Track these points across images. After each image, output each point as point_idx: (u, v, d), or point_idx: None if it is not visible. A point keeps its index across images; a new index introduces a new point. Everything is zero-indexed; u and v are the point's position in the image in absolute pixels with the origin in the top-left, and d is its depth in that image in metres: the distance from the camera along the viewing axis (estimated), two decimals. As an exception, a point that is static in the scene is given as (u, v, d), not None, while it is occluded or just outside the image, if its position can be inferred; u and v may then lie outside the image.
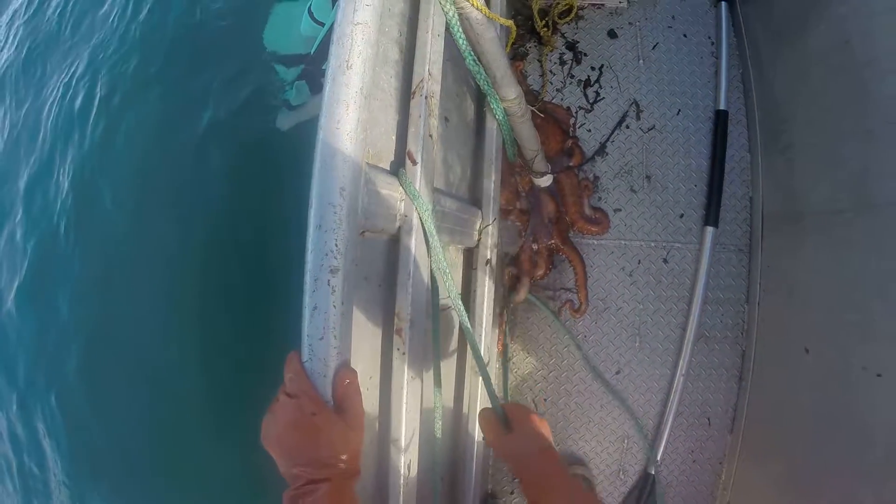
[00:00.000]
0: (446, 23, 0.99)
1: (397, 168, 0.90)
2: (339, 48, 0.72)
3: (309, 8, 2.76)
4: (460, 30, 1.01)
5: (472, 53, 1.08)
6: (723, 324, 1.76)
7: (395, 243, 0.92)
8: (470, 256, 1.43)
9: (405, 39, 0.97)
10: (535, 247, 1.70)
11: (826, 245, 1.46)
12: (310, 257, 0.67)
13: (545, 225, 1.71)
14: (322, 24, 2.71)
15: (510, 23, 1.30)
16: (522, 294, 1.73)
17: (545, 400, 1.80)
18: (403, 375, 0.90)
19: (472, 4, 0.97)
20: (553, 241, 1.72)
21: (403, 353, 0.89)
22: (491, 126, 1.46)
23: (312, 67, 2.76)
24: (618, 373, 1.75)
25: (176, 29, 3.54)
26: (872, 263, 1.28)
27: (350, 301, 0.69)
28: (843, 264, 1.40)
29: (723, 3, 1.99)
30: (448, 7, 0.95)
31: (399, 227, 0.91)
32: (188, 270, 2.95)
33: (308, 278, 0.66)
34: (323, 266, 0.66)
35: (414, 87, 0.96)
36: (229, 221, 2.95)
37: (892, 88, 1.22)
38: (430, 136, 0.95)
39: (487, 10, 1.01)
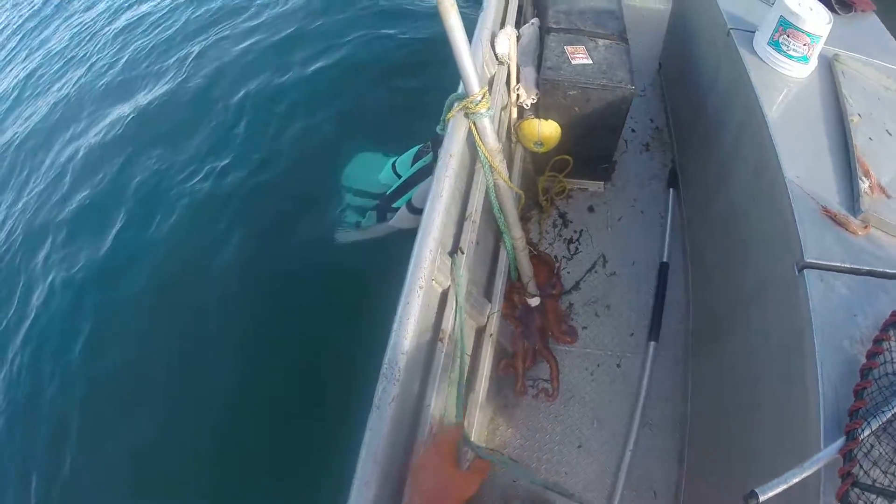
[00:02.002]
0: (487, 186, 1.86)
1: (452, 254, 1.64)
2: (437, 185, 1.52)
3: (393, 163, 3.38)
4: (493, 190, 1.87)
5: (497, 204, 1.93)
6: (663, 415, 2.29)
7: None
8: (480, 333, 2.07)
9: (464, 188, 1.82)
10: (525, 346, 2.44)
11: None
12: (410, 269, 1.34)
13: (532, 333, 2.45)
14: (400, 177, 3.25)
15: (521, 192, 2.14)
16: (519, 383, 2.43)
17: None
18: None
19: (501, 178, 1.86)
20: (538, 345, 2.46)
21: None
22: (502, 253, 2.23)
23: (383, 203, 3.25)
24: (579, 447, 2.26)
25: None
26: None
27: None
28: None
29: (671, 189, 2.88)
30: (488, 176, 1.82)
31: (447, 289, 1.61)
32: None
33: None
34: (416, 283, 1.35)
35: (467, 214, 1.78)
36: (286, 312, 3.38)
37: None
38: (472, 242, 1.74)
39: (509, 182, 1.89)
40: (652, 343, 2.44)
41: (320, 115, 4.53)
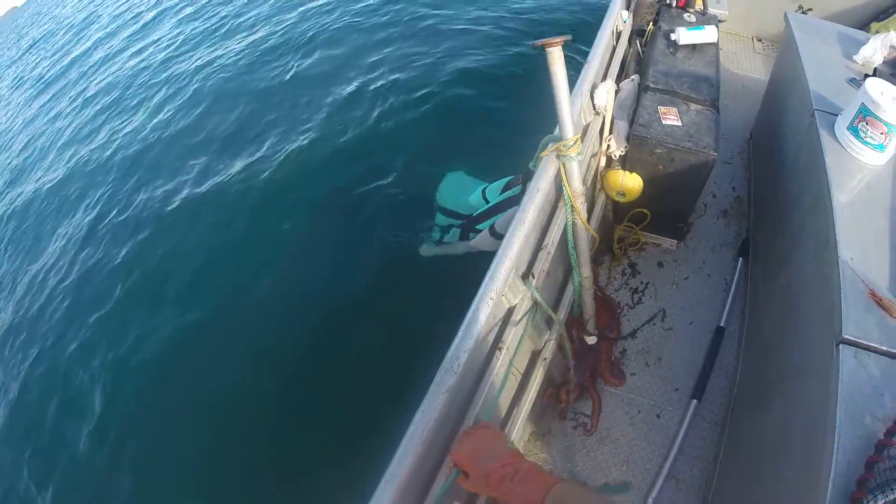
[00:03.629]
0: (566, 223, 2.04)
1: (524, 277, 1.79)
2: (521, 213, 1.72)
3: (484, 189, 3.54)
4: (571, 228, 2.04)
5: (572, 241, 2.09)
6: (692, 472, 2.34)
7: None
8: (535, 356, 2.20)
9: (545, 221, 2.02)
10: (573, 378, 2.57)
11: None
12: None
13: (583, 368, 2.58)
14: (488, 202, 3.39)
15: (596, 235, 2.31)
16: (560, 408, 2.55)
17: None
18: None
19: (580, 218, 2.04)
20: (586, 381, 2.59)
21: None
22: (569, 288, 2.36)
23: (468, 223, 3.40)
24: (604, 484, 2.36)
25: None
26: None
27: None
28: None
29: (741, 258, 2.96)
30: (569, 215, 2.00)
31: (516, 306, 1.77)
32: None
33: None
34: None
35: (543, 244, 1.97)
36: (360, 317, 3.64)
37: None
38: (543, 271, 1.92)
39: (586, 224, 2.07)
40: (694, 401, 2.51)
41: (429, 134, 4.96)
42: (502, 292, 1.65)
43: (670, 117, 2.57)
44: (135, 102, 7.65)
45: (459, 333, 1.45)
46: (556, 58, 1.60)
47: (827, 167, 1.99)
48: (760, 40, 4.74)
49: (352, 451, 2.99)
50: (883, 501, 1.13)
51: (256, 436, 3.35)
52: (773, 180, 2.85)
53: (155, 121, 6.75)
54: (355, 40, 6.72)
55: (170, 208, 5.18)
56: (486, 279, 1.58)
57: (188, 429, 3.54)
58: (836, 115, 2.20)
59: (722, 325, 2.73)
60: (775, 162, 2.85)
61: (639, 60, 3.47)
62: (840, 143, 2.10)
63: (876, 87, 1.97)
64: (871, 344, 1.46)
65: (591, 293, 2.39)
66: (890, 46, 2.58)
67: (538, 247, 1.98)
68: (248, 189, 4.95)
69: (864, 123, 2.00)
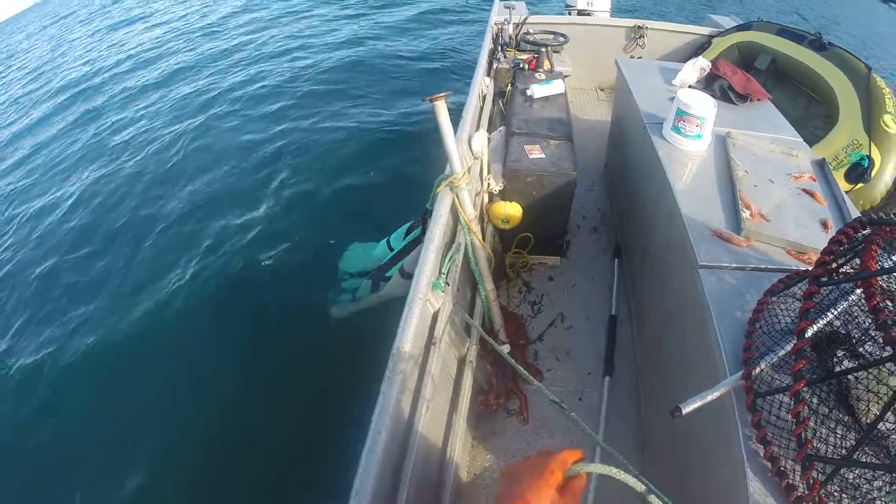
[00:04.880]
0: (465, 245, 2.41)
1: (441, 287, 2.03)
2: (431, 235, 2.09)
3: (388, 240, 3.76)
4: (470, 248, 2.44)
5: (473, 260, 2.50)
6: (624, 433, 2.62)
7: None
8: (461, 364, 2.46)
9: (448, 244, 2.37)
10: (498, 384, 2.87)
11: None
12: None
13: (505, 373, 2.90)
14: (393, 250, 3.63)
15: (491, 253, 2.71)
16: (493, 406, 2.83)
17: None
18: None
19: (477, 238, 2.44)
20: (510, 384, 2.92)
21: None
22: (478, 303, 2.71)
23: (377, 274, 3.58)
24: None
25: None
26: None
27: None
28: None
29: (616, 259, 3.52)
30: (467, 237, 2.40)
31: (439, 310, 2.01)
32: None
33: None
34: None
35: (447, 268, 2.36)
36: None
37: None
38: (455, 280, 2.29)
39: (483, 242, 2.49)
40: (607, 378, 2.84)
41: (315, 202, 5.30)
42: (426, 297, 1.98)
43: (535, 152, 3.13)
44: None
45: (396, 340, 1.65)
46: (441, 108, 2.04)
47: (661, 160, 2.60)
48: (602, 89, 5.87)
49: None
50: (764, 359, 1.55)
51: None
52: (627, 192, 3.48)
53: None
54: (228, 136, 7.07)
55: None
56: (413, 286, 1.92)
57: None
58: (662, 123, 2.86)
59: (613, 313, 3.22)
60: (627, 178, 3.51)
61: (503, 116, 4.10)
62: (668, 142, 2.76)
63: (685, 94, 2.70)
64: (724, 264, 2.01)
65: (496, 304, 2.79)
66: (700, 68, 3.36)
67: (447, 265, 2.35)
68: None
69: (682, 122, 2.66)
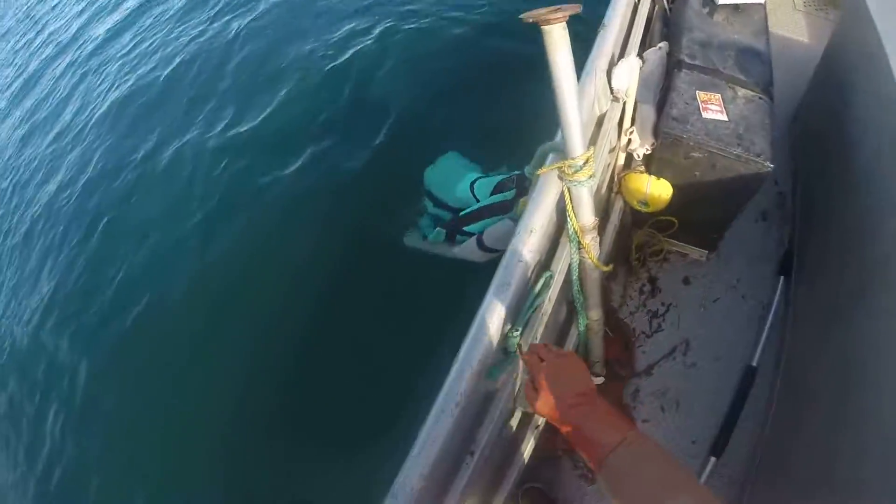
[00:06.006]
0: (570, 262, 1.54)
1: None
2: (509, 260, 1.31)
3: (473, 183, 3.09)
4: (577, 267, 1.55)
5: (578, 284, 1.61)
6: None
7: None
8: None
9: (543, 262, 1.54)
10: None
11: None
12: None
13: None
14: (477, 201, 3.00)
15: (609, 269, 1.76)
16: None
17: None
18: None
19: (590, 258, 1.55)
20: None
21: None
22: (573, 332, 1.92)
23: (455, 224, 3.00)
24: None
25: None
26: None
27: None
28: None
29: (782, 277, 2.45)
30: (574, 254, 1.51)
31: None
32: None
33: None
34: None
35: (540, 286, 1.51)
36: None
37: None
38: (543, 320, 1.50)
39: (597, 262, 1.56)
40: (713, 459, 2.10)
41: (427, 103, 4.26)
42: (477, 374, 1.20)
43: (713, 108, 2.03)
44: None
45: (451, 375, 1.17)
46: (558, 40, 1.06)
47: None
48: None
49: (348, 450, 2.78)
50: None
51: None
52: (830, 178, 2.30)
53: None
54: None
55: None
56: (467, 343, 1.21)
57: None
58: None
59: (754, 363, 2.26)
60: (837, 157, 2.29)
61: (666, 20, 2.87)
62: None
63: None
64: None
65: (600, 336, 1.91)
66: None
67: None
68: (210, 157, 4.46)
69: None
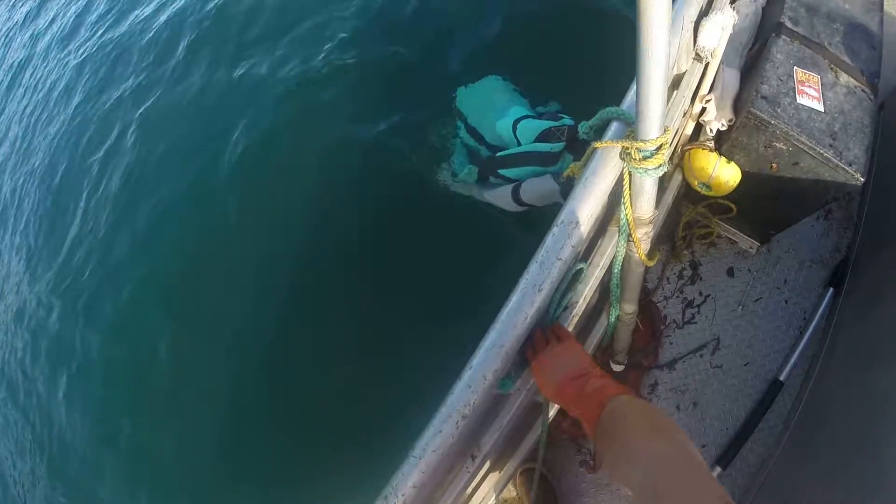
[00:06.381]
0: (616, 254, 1.33)
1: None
2: (559, 236, 1.11)
3: (516, 120, 2.72)
4: (620, 259, 1.35)
5: (618, 277, 1.42)
6: None
7: None
8: None
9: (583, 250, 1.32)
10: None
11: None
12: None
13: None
14: (519, 144, 2.68)
15: (652, 263, 1.60)
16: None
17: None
18: None
19: (639, 253, 1.34)
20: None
21: None
22: (602, 321, 1.71)
23: (490, 164, 2.73)
24: None
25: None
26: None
27: None
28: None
29: (831, 288, 2.21)
30: (622, 246, 1.29)
31: None
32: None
33: None
34: None
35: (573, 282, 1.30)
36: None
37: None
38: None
39: (645, 258, 1.36)
40: (718, 468, 1.97)
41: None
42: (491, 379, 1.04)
43: (809, 91, 1.72)
44: None
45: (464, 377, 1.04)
46: None
47: None
48: None
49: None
50: None
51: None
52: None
53: None
54: None
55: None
56: (483, 350, 1.04)
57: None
58: None
59: (781, 378, 2.06)
60: None
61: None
62: None
63: None
64: None
65: (630, 328, 1.73)
66: None
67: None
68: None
69: None
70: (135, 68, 4.84)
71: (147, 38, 4.99)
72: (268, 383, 2.95)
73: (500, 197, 2.57)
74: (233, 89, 4.02)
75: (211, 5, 4.69)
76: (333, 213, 3.15)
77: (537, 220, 2.57)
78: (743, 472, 1.98)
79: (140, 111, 4.40)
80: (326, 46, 3.87)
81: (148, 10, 5.31)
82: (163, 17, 5.05)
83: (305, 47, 3.94)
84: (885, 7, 2.11)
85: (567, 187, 1.52)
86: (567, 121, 2.48)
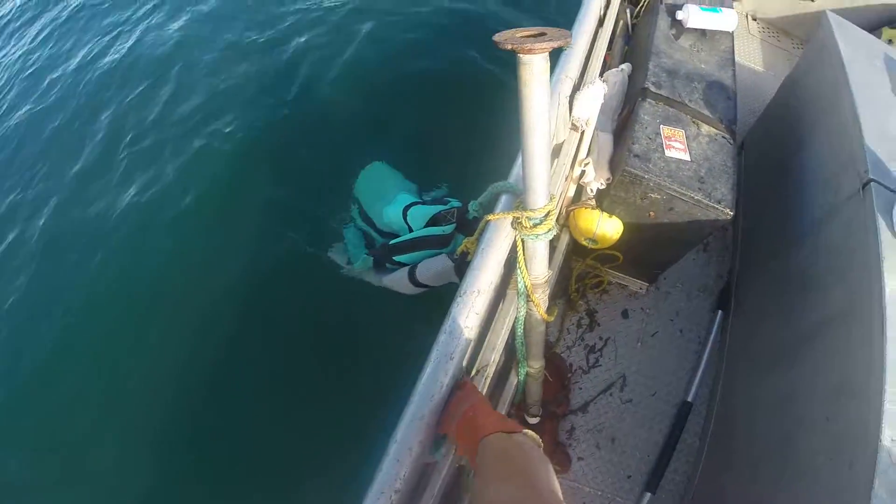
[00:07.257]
0: (517, 316, 1.43)
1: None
2: (462, 307, 1.18)
3: (406, 208, 2.84)
4: (522, 320, 1.45)
5: (522, 334, 1.52)
6: None
7: None
8: None
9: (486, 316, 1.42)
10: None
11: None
12: None
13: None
14: (411, 230, 2.77)
15: (552, 318, 1.65)
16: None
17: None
18: None
19: (539, 312, 1.45)
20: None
21: None
22: (512, 379, 1.84)
23: (384, 252, 2.79)
24: None
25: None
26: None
27: None
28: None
29: (720, 311, 2.46)
30: (522, 308, 1.40)
31: None
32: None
33: None
34: None
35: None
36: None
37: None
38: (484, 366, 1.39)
39: (545, 315, 1.46)
40: (648, 494, 2.09)
41: (365, 105, 3.97)
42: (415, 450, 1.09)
43: (676, 145, 1.96)
44: None
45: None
46: (538, 74, 0.89)
47: (883, 268, 1.43)
48: (755, 19, 4.04)
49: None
50: None
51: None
52: (776, 216, 2.31)
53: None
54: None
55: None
56: (404, 423, 1.06)
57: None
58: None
59: (689, 399, 2.25)
60: (783, 194, 2.28)
61: (627, 37, 2.80)
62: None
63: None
64: None
65: (539, 381, 1.84)
66: None
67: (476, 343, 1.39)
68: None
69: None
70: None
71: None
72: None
73: (396, 281, 2.63)
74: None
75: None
76: (234, 298, 3.19)
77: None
78: (671, 492, 2.11)
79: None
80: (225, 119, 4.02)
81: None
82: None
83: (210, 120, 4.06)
84: (737, 58, 2.44)
85: (461, 264, 1.63)
86: (455, 203, 2.63)
